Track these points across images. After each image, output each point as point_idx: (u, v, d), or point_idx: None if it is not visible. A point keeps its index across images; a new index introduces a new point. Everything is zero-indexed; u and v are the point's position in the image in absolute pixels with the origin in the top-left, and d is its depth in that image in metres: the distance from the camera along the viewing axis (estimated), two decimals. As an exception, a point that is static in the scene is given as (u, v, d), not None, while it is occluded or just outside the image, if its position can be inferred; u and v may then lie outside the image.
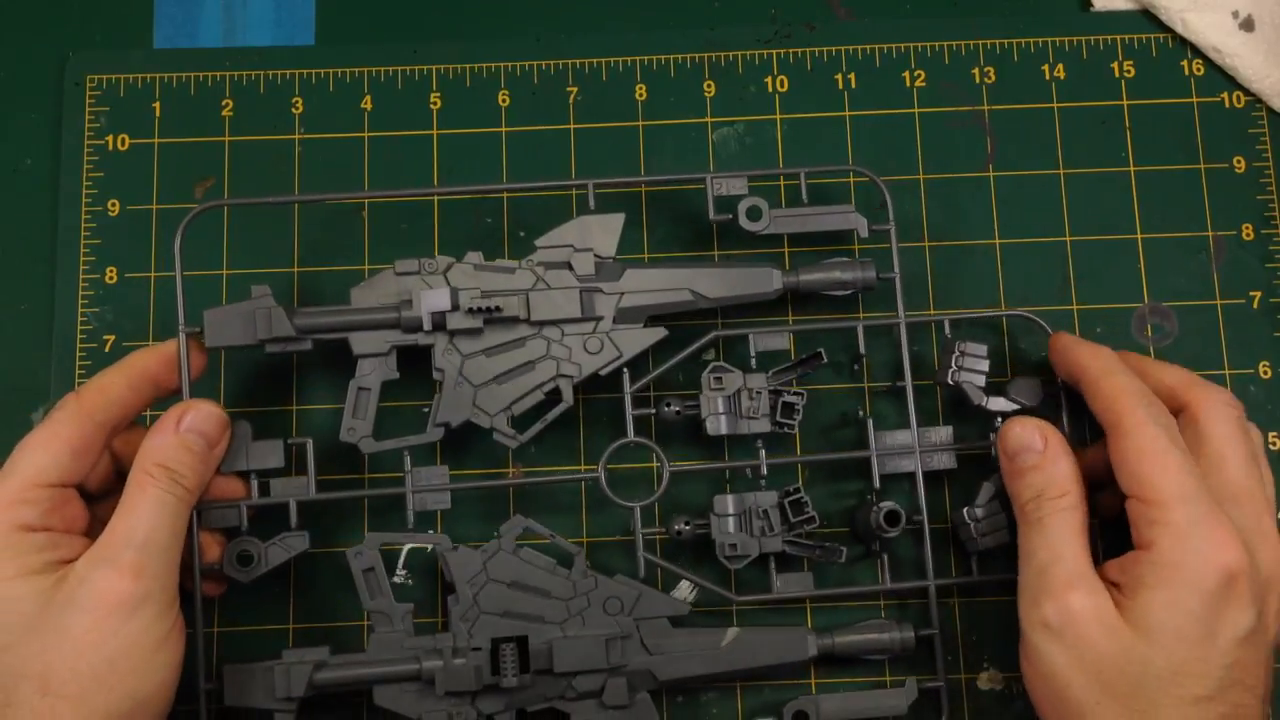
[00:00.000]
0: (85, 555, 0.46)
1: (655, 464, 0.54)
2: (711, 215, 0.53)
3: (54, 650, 0.44)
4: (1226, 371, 0.57)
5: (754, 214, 0.54)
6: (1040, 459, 0.49)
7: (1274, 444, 0.56)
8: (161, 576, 0.46)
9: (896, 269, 0.54)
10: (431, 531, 0.54)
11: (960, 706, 0.54)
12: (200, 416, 0.49)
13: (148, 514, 0.46)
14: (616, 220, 0.53)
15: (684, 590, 0.54)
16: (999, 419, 0.53)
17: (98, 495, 0.50)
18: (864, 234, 0.54)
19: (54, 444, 0.47)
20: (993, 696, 0.54)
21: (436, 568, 0.55)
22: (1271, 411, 0.56)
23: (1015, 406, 0.53)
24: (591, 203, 0.53)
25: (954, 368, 0.53)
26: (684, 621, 0.53)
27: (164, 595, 0.46)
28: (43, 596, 0.45)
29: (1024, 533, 0.48)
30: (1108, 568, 0.47)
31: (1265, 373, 0.57)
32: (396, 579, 0.54)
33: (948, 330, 0.54)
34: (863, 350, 0.54)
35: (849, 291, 0.54)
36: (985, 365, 0.53)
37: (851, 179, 0.58)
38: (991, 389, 0.53)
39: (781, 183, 0.58)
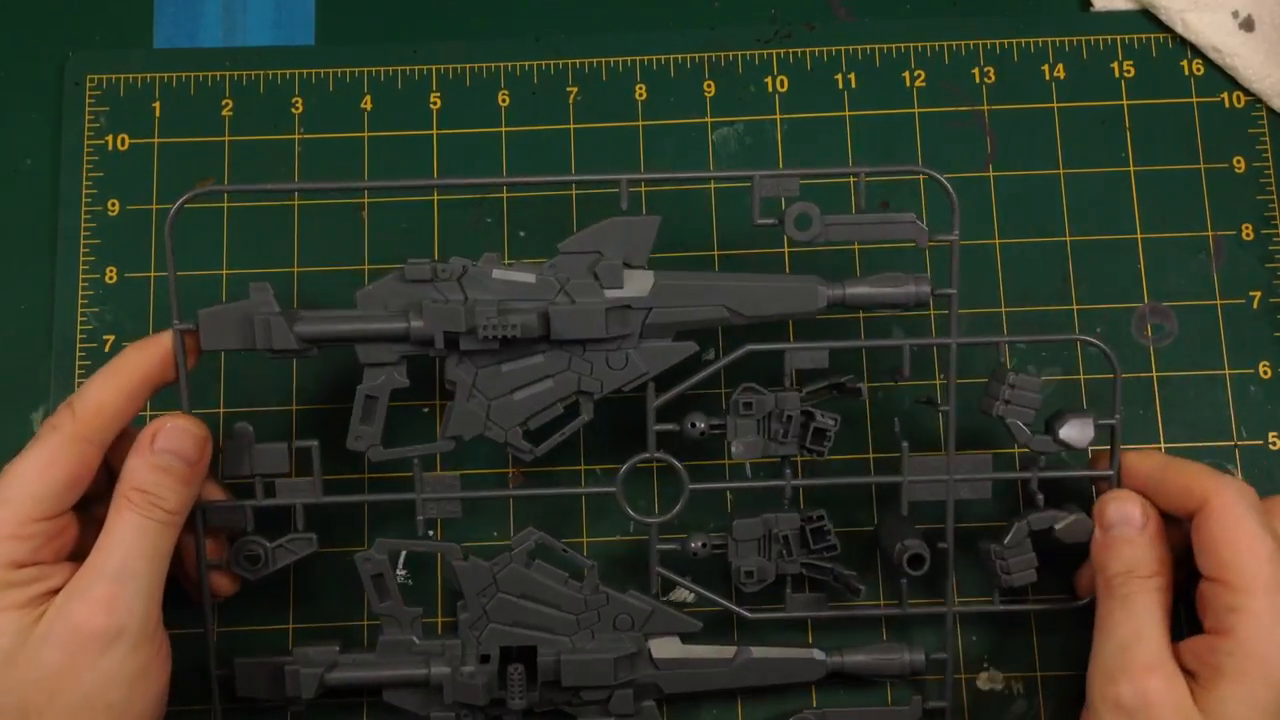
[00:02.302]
0: (66, 587, 0.45)
1: (656, 463, 0.54)
2: (756, 219, 0.49)
3: (31, 686, 0.43)
4: (1226, 371, 0.57)
5: (803, 222, 0.49)
6: (1137, 535, 0.48)
7: (1274, 444, 0.56)
8: (136, 608, 0.44)
9: (955, 287, 0.50)
10: (432, 534, 0.54)
11: (960, 707, 0.54)
12: (174, 436, 0.47)
13: (122, 542, 0.45)
14: (650, 224, 0.49)
15: (681, 592, 0.54)
16: (1042, 456, 0.50)
17: (92, 498, 0.48)
18: (923, 244, 0.49)
19: (51, 472, 0.45)
20: (993, 696, 0.54)
21: (438, 565, 0.55)
22: (1271, 411, 0.56)
23: (1059, 448, 0.50)
24: (624, 202, 0.50)
25: (1001, 400, 0.49)
26: (694, 637, 0.52)
27: (141, 627, 0.45)
28: (23, 630, 0.44)
29: (1106, 606, 0.47)
30: (1180, 651, 0.46)
31: (1265, 373, 0.57)
32: (396, 578, 0.53)
33: (1004, 358, 0.51)
34: (906, 372, 0.50)
35: (900, 311, 0.51)
36: (1038, 401, 0.49)
37: (851, 180, 0.57)
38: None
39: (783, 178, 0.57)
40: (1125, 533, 0.48)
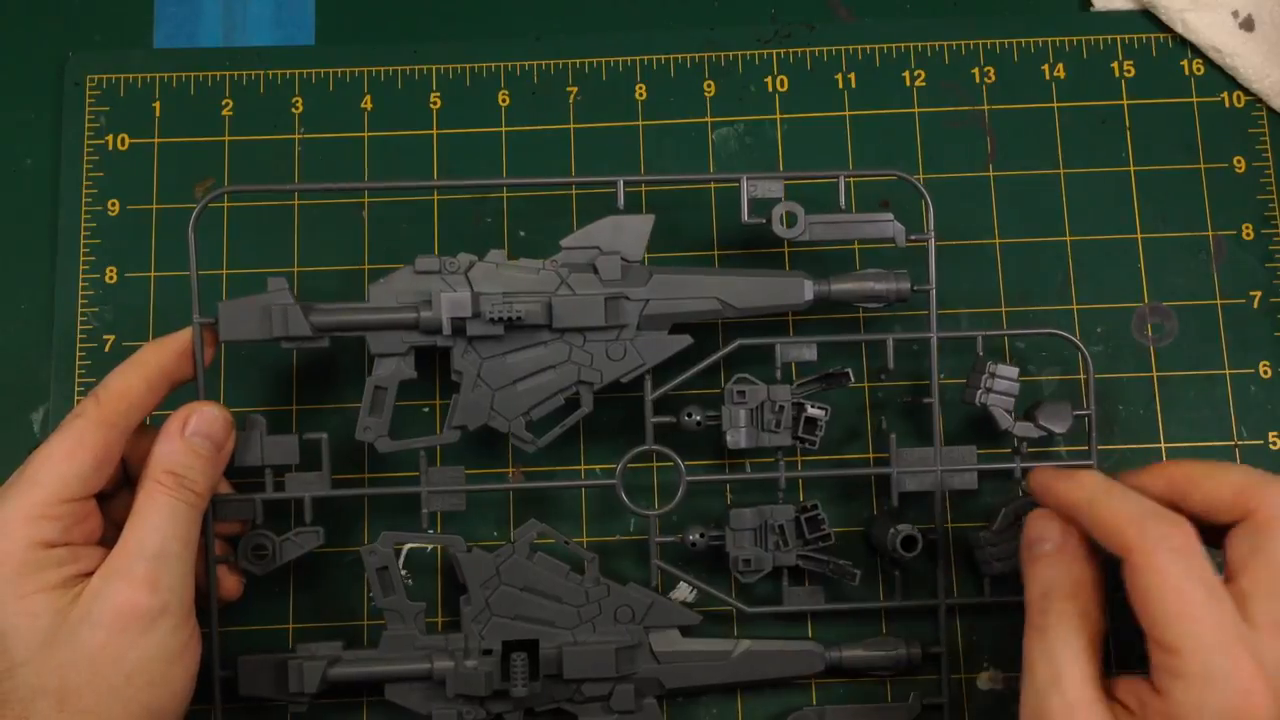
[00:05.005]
0: (100, 568, 0.45)
1: (658, 463, 0.54)
2: (745, 218, 0.52)
3: (70, 666, 0.44)
4: (1227, 371, 0.57)
5: (789, 220, 0.52)
6: (1055, 551, 0.45)
7: (1274, 444, 0.56)
8: (177, 587, 0.46)
9: (933, 283, 0.52)
10: (433, 530, 0.54)
11: (960, 707, 0.54)
12: (206, 420, 0.49)
13: (160, 523, 0.46)
14: (646, 222, 0.52)
15: (683, 591, 0.54)
16: (1024, 442, 0.52)
17: (107, 495, 0.49)
18: (901, 243, 0.52)
19: (79, 454, 0.46)
20: (993, 696, 0.54)
21: (438, 566, 0.55)
22: (1271, 411, 0.56)
23: (1042, 433, 0.52)
24: (620, 201, 0.52)
25: (983, 389, 0.52)
26: (694, 631, 0.52)
27: (180, 606, 0.46)
28: (59, 612, 0.44)
29: (1028, 638, 0.44)
30: (1120, 687, 0.42)
31: (1265, 373, 0.57)
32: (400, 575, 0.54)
33: (980, 349, 0.53)
34: (891, 365, 0.53)
35: (881, 304, 0.53)
36: (1016, 389, 0.52)
37: (842, 180, 0.57)
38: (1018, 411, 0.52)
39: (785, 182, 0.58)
40: (1042, 548, 0.45)
